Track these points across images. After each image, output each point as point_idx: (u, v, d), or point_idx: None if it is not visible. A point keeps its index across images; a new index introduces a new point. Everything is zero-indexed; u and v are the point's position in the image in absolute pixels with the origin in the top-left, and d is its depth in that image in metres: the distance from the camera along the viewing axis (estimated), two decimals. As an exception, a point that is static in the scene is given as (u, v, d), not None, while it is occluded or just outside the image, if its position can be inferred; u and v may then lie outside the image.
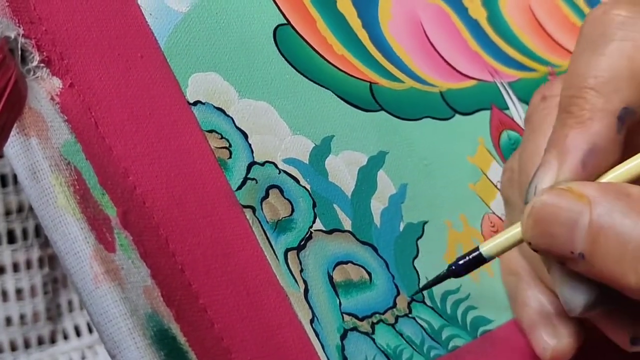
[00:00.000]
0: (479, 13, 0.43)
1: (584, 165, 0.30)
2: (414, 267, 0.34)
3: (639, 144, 0.32)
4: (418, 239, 0.35)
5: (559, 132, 0.31)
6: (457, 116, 0.39)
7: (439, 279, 0.33)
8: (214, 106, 0.32)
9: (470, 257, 0.32)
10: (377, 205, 0.34)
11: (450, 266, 0.33)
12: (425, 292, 0.34)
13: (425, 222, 0.36)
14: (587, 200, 0.29)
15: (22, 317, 0.49)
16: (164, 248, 0.29)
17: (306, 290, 0.31)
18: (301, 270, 0.31)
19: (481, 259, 0.32)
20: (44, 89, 0.29)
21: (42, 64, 0.29)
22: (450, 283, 0.35)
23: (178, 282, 0.28)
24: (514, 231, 0.32)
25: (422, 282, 0.34)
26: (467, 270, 0.33)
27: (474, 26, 0.43)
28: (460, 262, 0.32)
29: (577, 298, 0.30)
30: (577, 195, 0.29)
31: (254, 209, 0.31)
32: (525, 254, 0.35)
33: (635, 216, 0.28)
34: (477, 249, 0.32)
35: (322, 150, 0.34)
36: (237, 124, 0.32)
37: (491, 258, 0.32)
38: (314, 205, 0.33)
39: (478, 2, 0.44)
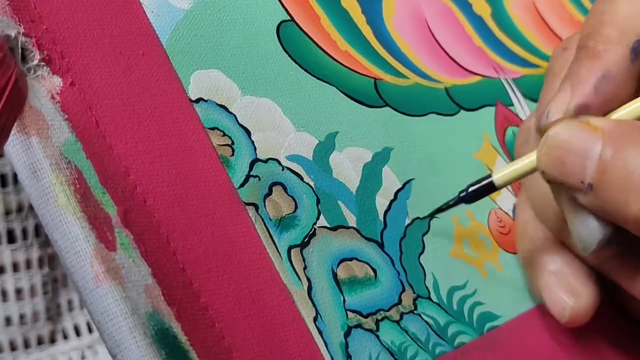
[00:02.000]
0: (483, 9, 0.43)
1: (596, 91, 0.31)
2: (420, 263, 0.34)
3: None
4: (424, 234, 0.35)
5: (575, 64, 0.32)
6: (462, 112, 0.39)
7: (449, 205, 0.34)
8: (217, 103, 0.32)
9: (482, 184, 0.33)
10: (382, 201, 0.34)
11: (460, 192, 0.34)
12: (431, 289, 0.34)
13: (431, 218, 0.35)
14: (601, 132, 0.30)
15: (21, 317, 0.49)
16: (165, 247, 0.28)
17: (310, 288, 0.31)
18: (305, 268, 0.31)
19: (492, 187, 0.33)
20: (44, 87, 0.28)
21: (42, 63, 0.29)
22: (457, 279, 0.35)
23: (179, 281, 0.28)
24: (526, 161, 0.32)
25: (428, 279, 0.34)
26: (477, 197, 0.34)
27: (478, 22, 0.43)
28: (471, 189, 0.33)
29: (591, 234, 0.31)
30: (592, 127, 0.30)
31: (256, 207, 0.31)
32: (542, 217, 0.35)
33: None
34: (489, 176, 0.33)
35: (326, 147, 0.34)
36: (239, 121, 0.32)
37: (502, 186, 0.33)
38: (318, 202, 0.32)
39: (482, -2, 0.44)
